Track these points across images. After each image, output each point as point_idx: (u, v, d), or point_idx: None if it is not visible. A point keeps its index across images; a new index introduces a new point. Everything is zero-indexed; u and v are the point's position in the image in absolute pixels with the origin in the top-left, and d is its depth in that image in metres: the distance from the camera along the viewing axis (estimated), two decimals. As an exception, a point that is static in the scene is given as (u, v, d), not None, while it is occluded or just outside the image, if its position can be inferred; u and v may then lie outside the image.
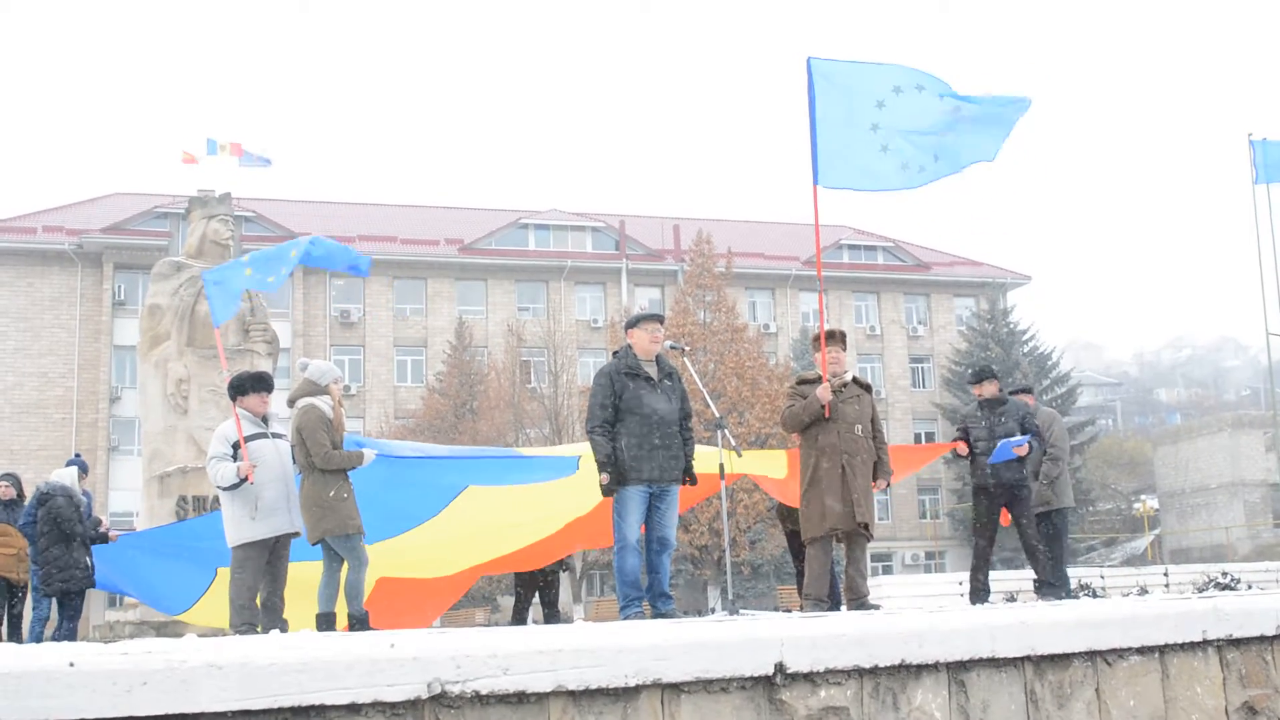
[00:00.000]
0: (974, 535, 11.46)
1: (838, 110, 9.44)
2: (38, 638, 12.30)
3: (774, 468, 12.07)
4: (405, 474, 10.96)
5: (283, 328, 46.13)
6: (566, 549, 11.79)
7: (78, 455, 13.47)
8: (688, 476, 9.04)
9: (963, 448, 11.15)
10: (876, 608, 8.99)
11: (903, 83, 9.64)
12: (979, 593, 11.05)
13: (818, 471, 9.26)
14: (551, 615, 11.50)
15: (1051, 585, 11.13)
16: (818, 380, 9.41)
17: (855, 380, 9.63)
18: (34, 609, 12.56)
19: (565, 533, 11.14)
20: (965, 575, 31.08)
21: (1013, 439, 10.81)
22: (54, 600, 12.15)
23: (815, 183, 9.36)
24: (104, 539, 12.06)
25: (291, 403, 9.33)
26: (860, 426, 9.36)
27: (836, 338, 9.62)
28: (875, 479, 9.48)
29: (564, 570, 12.10)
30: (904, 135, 9.57)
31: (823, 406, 9.22)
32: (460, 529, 10.93)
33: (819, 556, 9.35)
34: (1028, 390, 12.76)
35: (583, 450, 10.83)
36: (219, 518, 9.60)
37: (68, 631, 12.13)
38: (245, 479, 9.01)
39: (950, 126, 9.67)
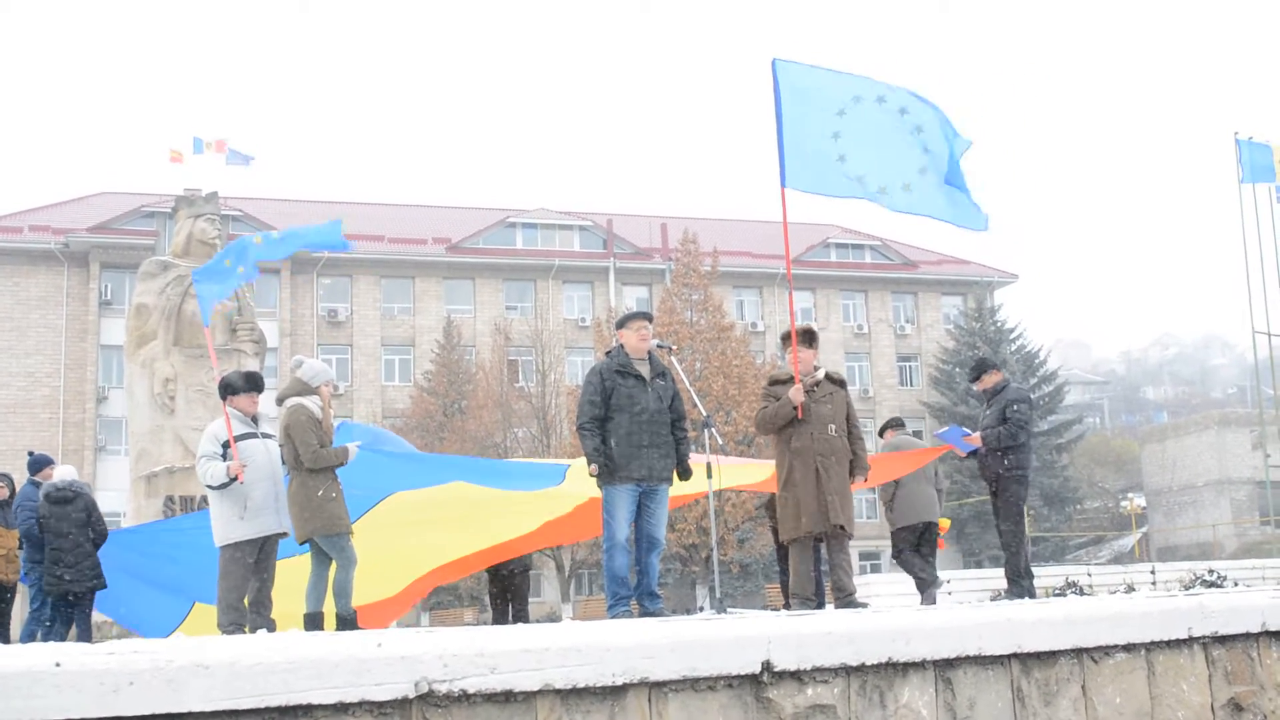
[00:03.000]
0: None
1: (801, 113, 9.46)
2: (30, 636, 12.22)
3: (757, 474, 12.12)
4: (399, 461, 11.08)
5: (270, 327, 46.04)
6: (535, 546, 11.79)
7: (32, 454, 13.31)
8: (679, 470, 9.06)
9: (977, 440, 11.03)
10: (864, 605, 8.99)
11: (864, 93, 9.66)
12: (1013, 586, 10.89)
13: (792, 474, 9.24)
14: (521, 616, 11.55)
15: (1015, 581, 10.91)
16: (789, 380, 9.37)
17: (828, 376, 9.57)
18: (34, 610, 12.41)
19: (539, 532, 11.18)
20: (951, 574, 31.14)
21: (963, 430, 10.93)
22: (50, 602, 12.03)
23: (783, 185, 9.39)
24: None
25: (280, 401, 9.33)
26: (834, 426, 9.31)
27: (805, 336, 9.59)
28: (852, 476, 9.45)
29: (528, 569, 12.08)
30: (863, 148, 9.56)
31: (795, 408, 9.21)
32: (436, 523, 10.95)
33: (800, 556, 9.35)
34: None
35: (571, 460, 10.89)
36: (204, 516, 9.60)
37: (83, 634, 11.98)
38: (235, 478, 9.01)
39: (927, 168, 9.65)
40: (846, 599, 9.14)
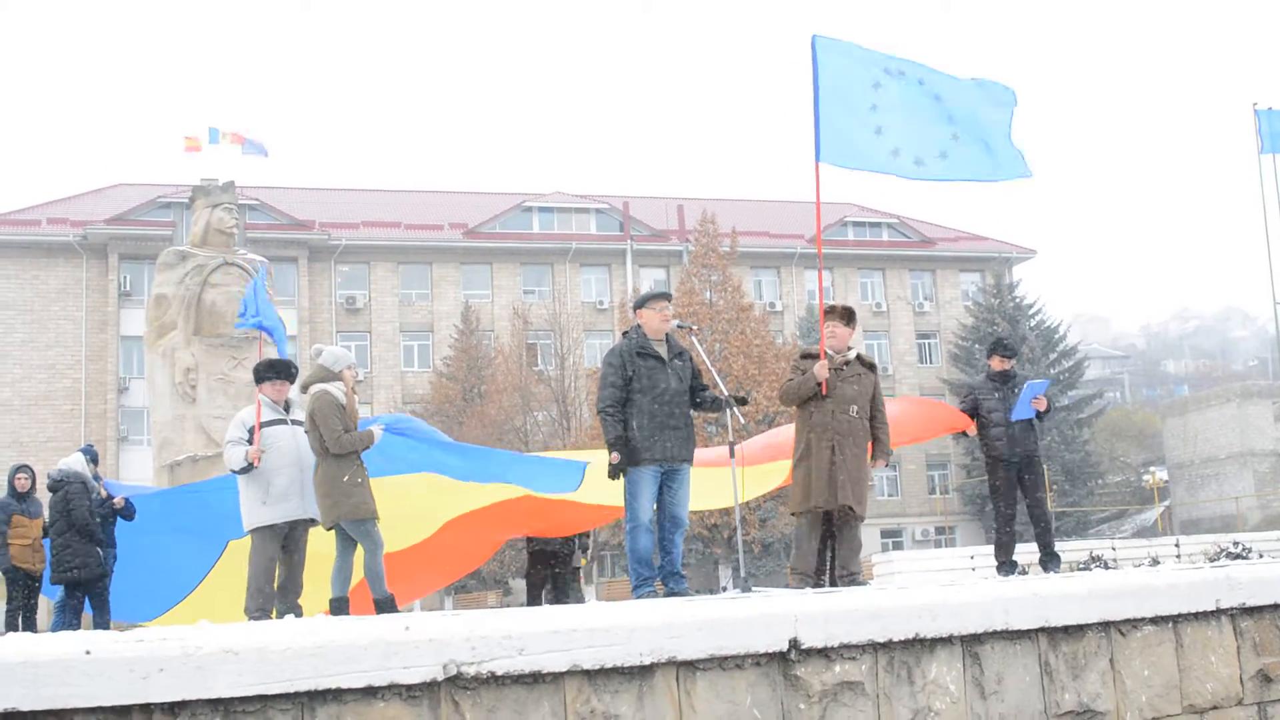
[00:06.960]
0: (995, 509, 11.26)
1: (839, 88, 9.45)
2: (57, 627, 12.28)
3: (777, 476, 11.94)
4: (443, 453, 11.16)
5: (289, 315, 46.22)
6: (552, 518, 11.62)
7: (88, 445, 13.43)
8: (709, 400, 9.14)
9: (973, 428, 11.11)
10: (863, 585, 9.01)
11: (892, 66, 9.69)
12: (1006, 566, 10.97)
13: (807, 448, 9.21)
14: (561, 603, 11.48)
15: (1054, 557, 11.01)
16: (819, 355, 9.38)
17: (859, 358, 9.54)
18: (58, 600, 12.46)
19: (554, 508, 11.11)
20: (975, 550, 31.10)
21: (1036, 384, 10.80)
22: (63, 588, 12.07)
23: (817, 159, 9.36)
24: (120, 512, 11.93)
25: (305, 388, 9.38)
26: (856, 407, 9.24)
27: (840, 313, 9.57)
28: (872, 459, 9.44)
29: (582, 552, 11.96)
30: (899, 120, 9.56)
31: (819, 383, 9.18)
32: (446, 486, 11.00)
33: (805, 531, 9.32)
34: None
35: (591, 457, 10.82)
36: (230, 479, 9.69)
37: (100, 624, 12.02)
38: (252, 464, 9.11)
39: (960, 134, 9.65)
40: (849, 578, 9.13)
